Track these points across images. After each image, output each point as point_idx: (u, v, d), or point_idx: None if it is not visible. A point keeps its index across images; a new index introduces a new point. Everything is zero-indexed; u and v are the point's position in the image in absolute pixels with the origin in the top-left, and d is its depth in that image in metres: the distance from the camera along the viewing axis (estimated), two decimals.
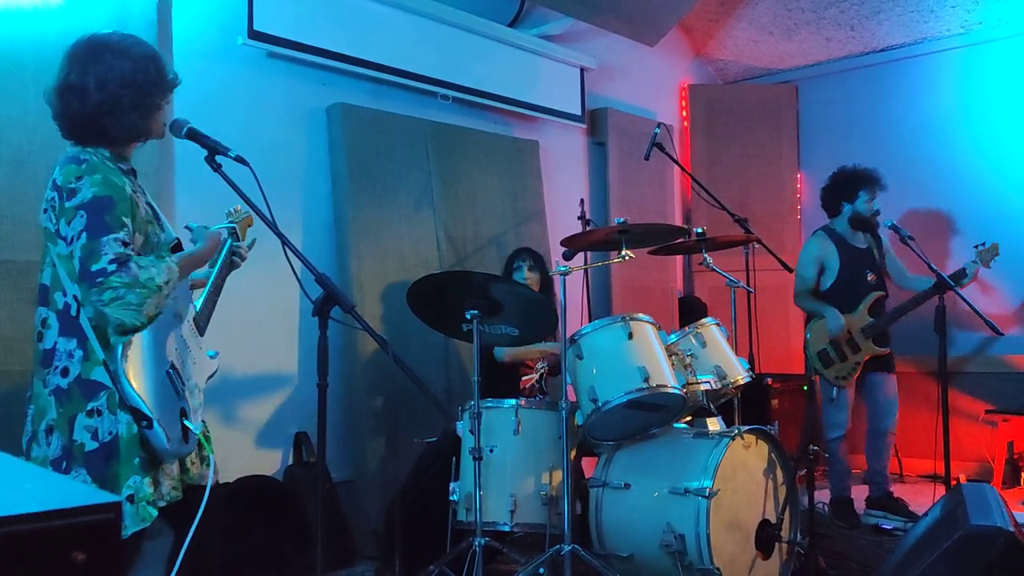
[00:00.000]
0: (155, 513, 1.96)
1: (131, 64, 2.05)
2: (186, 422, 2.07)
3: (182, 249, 2.23)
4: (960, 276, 4.04)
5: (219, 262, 2.35)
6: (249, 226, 2.50)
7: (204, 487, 2.09)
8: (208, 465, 2.19)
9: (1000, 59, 5.35)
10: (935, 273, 3.82)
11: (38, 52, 2.90)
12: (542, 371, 3.74)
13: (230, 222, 2.43)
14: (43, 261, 2.08)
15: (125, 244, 1.95)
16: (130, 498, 1.93)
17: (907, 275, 4.41)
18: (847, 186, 4.33)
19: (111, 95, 2.02)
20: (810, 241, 4.44)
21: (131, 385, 1.94)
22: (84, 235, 1.94)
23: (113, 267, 1.91)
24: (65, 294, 2.01)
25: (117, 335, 1.95)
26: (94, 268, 1.91)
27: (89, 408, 1.96)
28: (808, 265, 4.36)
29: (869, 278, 4.28)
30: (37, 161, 2.85)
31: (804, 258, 4.40)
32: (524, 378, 3.67)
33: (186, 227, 2.29)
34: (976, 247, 4.16)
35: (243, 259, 2.44)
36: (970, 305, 3.75)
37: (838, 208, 4.37)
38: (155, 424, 1.95)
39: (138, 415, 1.94)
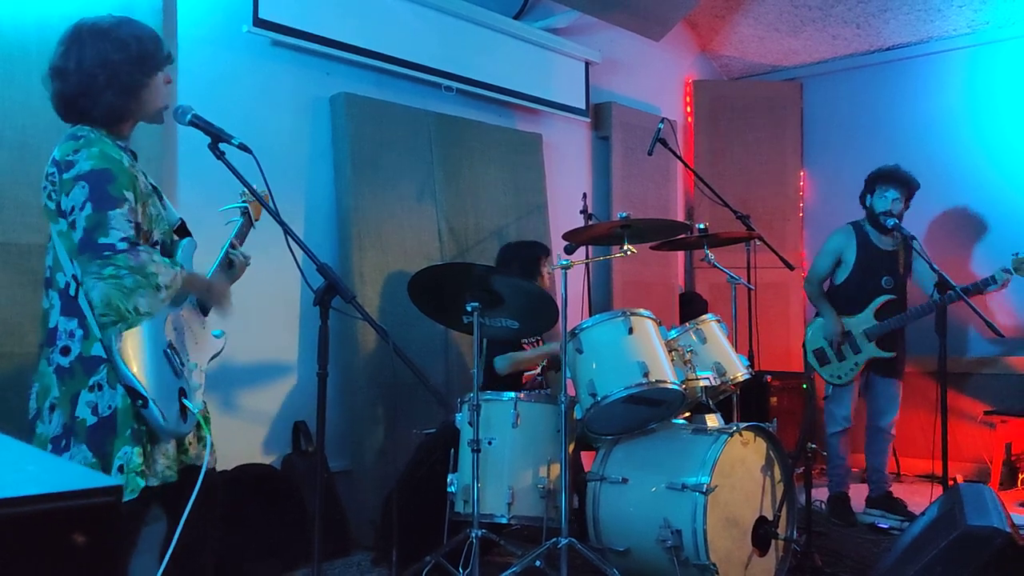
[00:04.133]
0: (142, 484, 1.95)
1: (109, 45, 2.06)
2: (184, 401, 2.06)
3: (187, 231, 2.23)
4: (988, 284, 3.94)
5: (228, 241, 2.35)
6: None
7: (201, 468, 2.09)
8: (206, 447, 2.18)
9: (1007, 59, 5.33)
10: (937, 273, 3.80)
11: (42, 37, 2.89)
12: (543, 364, 3.75)
13: (243, 201, 2.44)
14: (48, 243, 2.08)
15: (132, 224, 1.96)
16: (120, 468, 1.94)
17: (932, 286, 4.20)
18: (867, 181, 4.33)
19: (86, 75, 2.04)
20: (836, 233, 4.40)
21: (126, 364, 1.94)
22: (88, 205, 1.93)
23: (124, 246, 1.92)
24: (65, 274, 2.02)
25: (97, 315, 1.94)
26: (101, 240, 1.92)
27: (91, 383, 1.97)
28: (826, 255, 4.37)
29: (884, 281, 4.23)
30: (40, 144, 2.85)
31: (824, 248, 4.40)
32: (526, 373, 3.68)
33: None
34: (1015, 255, 3.99)
35: (244, 261, 2.40)
36: (972, 307, 3.74)
37: (863, 204, 4.36)
38: (150, 403, 1.95)
39: (134, 394, 1.94)
